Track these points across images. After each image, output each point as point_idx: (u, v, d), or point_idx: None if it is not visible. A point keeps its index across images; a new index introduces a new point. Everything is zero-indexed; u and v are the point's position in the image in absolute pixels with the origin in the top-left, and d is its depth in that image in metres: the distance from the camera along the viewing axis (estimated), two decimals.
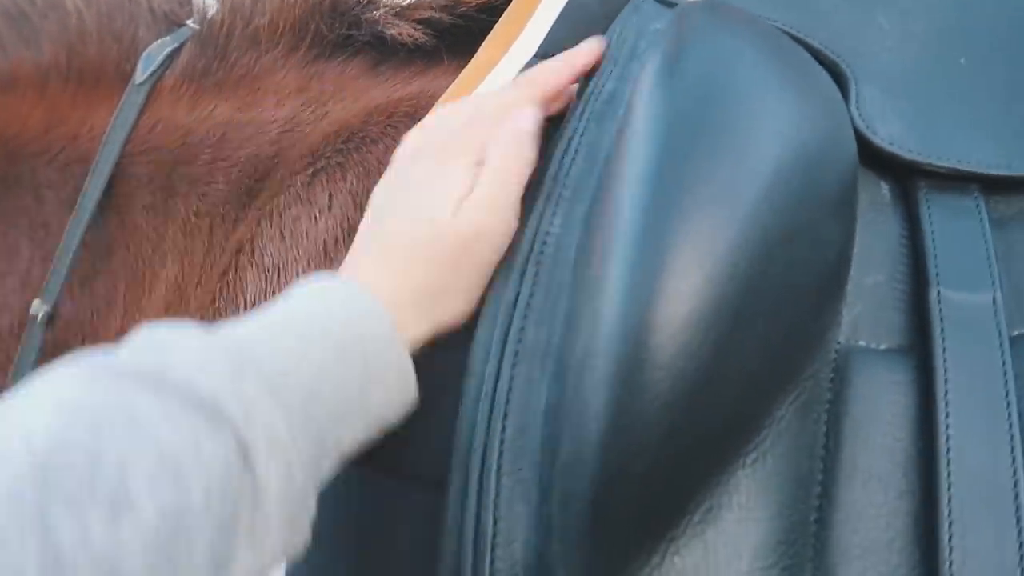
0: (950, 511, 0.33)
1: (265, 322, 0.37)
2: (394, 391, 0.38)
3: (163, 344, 0.33)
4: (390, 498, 0.41)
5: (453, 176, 0.41)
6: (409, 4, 0.60)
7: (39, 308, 0.66)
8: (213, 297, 0.58)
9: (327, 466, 0.36)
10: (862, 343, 0.38)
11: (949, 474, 0.33)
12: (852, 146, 0.39)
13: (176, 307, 0.63)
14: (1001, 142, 0.41)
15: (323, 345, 0.36)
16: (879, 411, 0.36)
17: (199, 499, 0.30)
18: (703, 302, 0.32)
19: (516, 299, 0.38)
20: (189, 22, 0.66)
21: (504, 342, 0.38)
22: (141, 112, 0.66)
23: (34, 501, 0.28)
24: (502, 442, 0.36)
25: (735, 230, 0.33)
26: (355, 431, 0.37)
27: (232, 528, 0.31)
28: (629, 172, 0.34)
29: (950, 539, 0.32)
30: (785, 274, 0.33)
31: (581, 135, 0.40)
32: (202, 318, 0.59)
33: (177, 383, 0.32)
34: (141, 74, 0.66)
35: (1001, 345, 0.35)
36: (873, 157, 0.41)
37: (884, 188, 0.41)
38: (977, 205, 0.40)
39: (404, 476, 0.41)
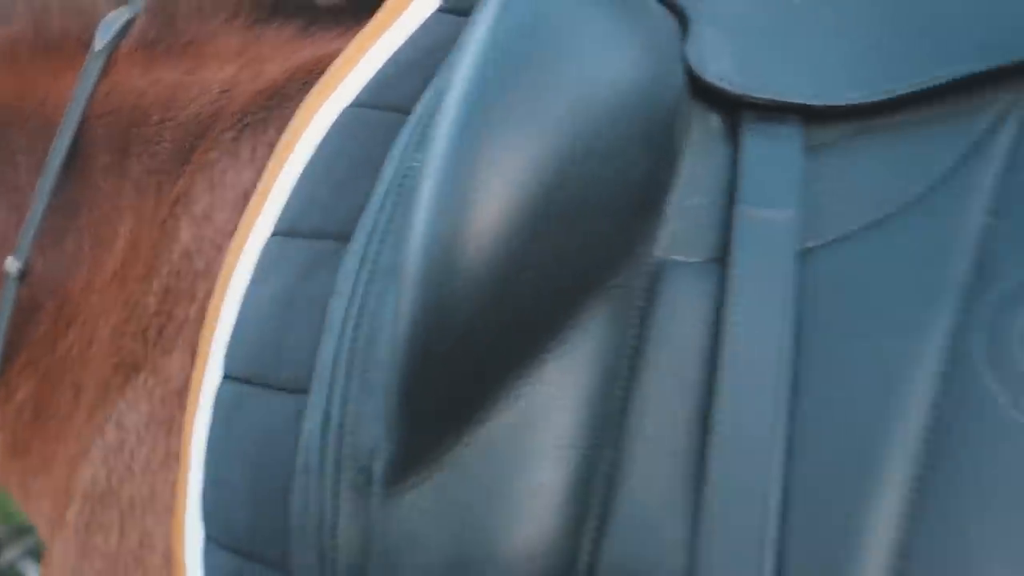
0: (727, 397, 0.37)
1: None
2: None
3: None
4: (271, 407, 0.46)
5: None
6: None
7: (12, 265, 0.72)
8: (153, 245, 0.63)
9: None
10: (677, 257, 0.42)
11: (729, 365, 0.37)
12: (676, 81, 0.43)
13: (131, 262, 0.69)
14: (822, 76, 0.45)
15: None
16: (684, 315, 0.40)
17: None
18: (502, 214, 0.36)
19: (374, 226, 0.43)
20: None
21: (362, 264, 0.43)
22: (100, 78, 0.71)
23: None
24: (353, 351, 0.41)
25: (536, 148, 0.37)
26: None
27: None
28: (448, 97, 0.39)
29: (722, 420, 0.36)
30: (582, 192, 0.38)
31: (437, 77, 0.45)
32: (146, 268, 0.65)
33: None
34: (99, 43, 0.72)
35: (791, 257, 0.39)
36: (704, 91, 0.45)
37: (714, 120, 0.45)
38: (794, 133, 0.43)
39: (282, 388, 0.46)
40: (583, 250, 0.38)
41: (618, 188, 0.39)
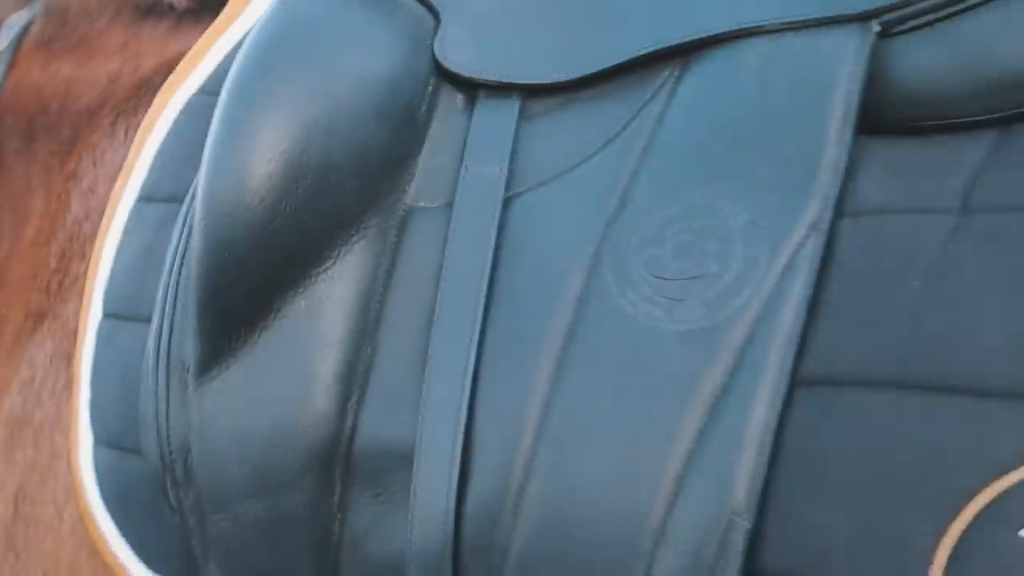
0: (444, 305, 0.51)
1: None
2: None
3: None
4: (135, 335, 0.60)
5: None
6: None
7: None
8: (52, 215, 0.77)
9: None
10: (421, 203, 0.55)
11: (446, 282, 0.51)
12: (422, 69, 0.57)
13: (44, 231, 0.82)
14: (543, 58, 0.58)
15: None
16: (423, 247, 0.54)
17: None
18: (263, 172, 0.50)
19: (193, 189, 0.57)
20: None
21: (184, 219, 0.57)
22: (6, 75, 0.84)
23: None
24: (177, 284, 0.55)
25: (286, 123, 0.51)
26: None
27: None
28: (226, 85, 0.52)
29: (439, 323, 0.50)
30: (327, 156, 0.51)
31: None
32: (49, 234, 0.78)
33: None
34: (2, 43, 0.84)
35: (497, 202, 0.53)
36: (449, 76, 0.58)
37: (458, 98, 0.58)
38: (514, 106, 0.57)
39: (142, 320, 0.60)
40: (333, 199, 0.52)
41: (359, 154, 0.53)
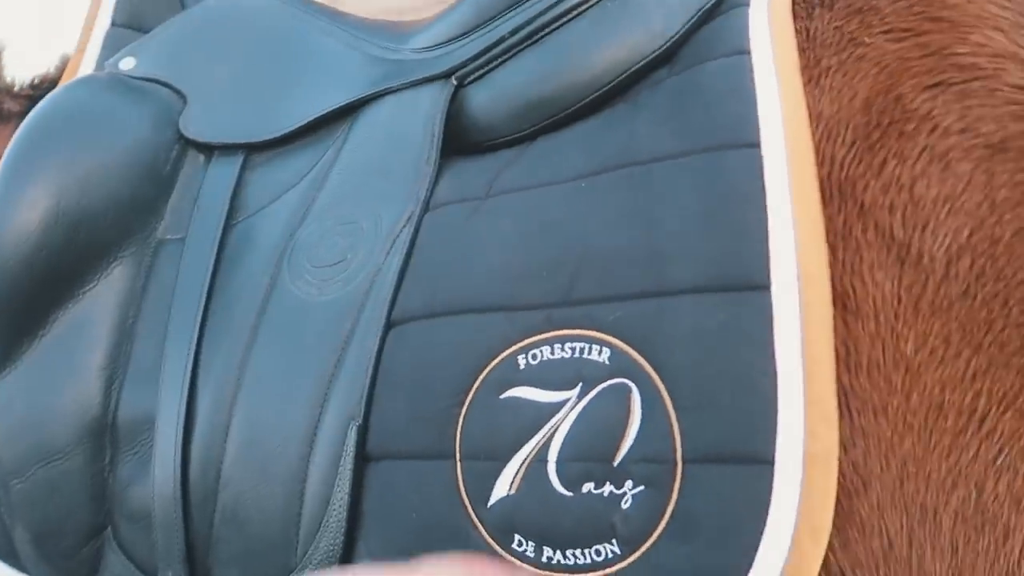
0: (175, 311, 0.69)
1: None
2: None
3: None
4: None
5: None
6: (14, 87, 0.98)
7: None
8: None
9: None
10: (169, 236, 0.74)
11: (177, 295, 0.69)
12: (166, 138, 0.76)
13: None
14: (262, 121, 0.78)
15: None
16: (168, 268, 0.72)
17: None
18: (23, 220, 0.69)
19: None
20: None
21: None
22: None
23: None
24: None
25: (45, 182, 0.70)
26: None
27: None
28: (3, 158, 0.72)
29: (172, 322, 0.68)
30: (81, 204, 0.70)
31: None
32: None
33: None
34: None
35: (217, 230, 0.71)
36: (192, 143, 0.77)
37: (200, 158, 0.78)
38: (238, 159, 0.76)
39: None
40: (89, 235, 0.70)
41: (110, 201, 0.71)
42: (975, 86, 0.55)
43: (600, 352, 0.55)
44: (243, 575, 0.64)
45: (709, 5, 0.66)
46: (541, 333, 0.57)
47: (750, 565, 0.51)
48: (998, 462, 0.49)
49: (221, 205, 0.74)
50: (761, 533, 0.51)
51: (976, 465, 0.50)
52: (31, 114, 0.75)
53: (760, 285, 0.54)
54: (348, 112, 0.75)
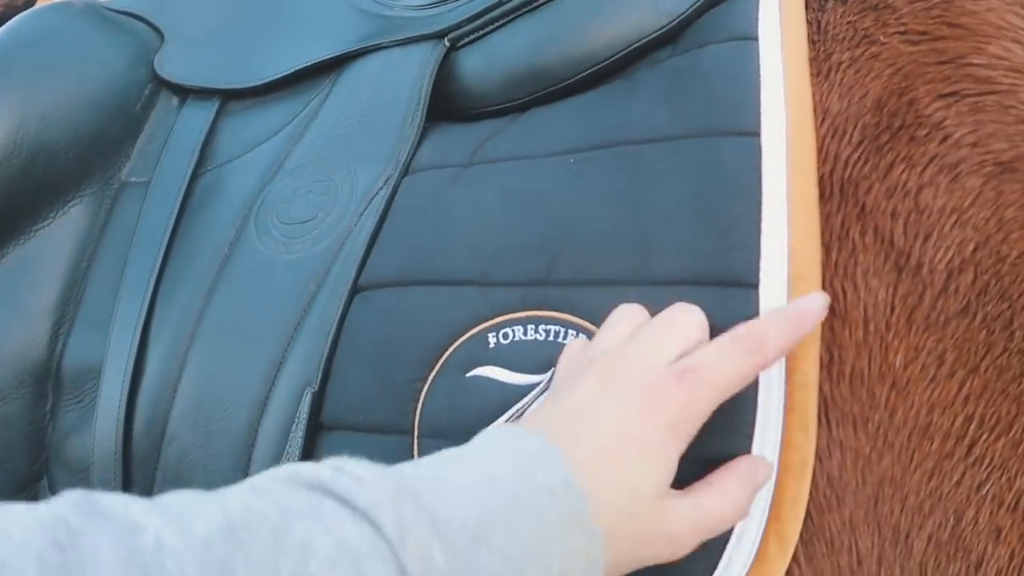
0: (134, 255, 0.65)
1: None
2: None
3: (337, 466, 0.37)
4: None
5: (654, 453, 0.44)
6: None
7: None
8: None
9: None
10: (133, 179, 0.70)
11: (137, 238, 0.66)
12: (139, 77, 0.72)
13: None
14: (242, 68, 0.74)
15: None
16: (129, 212, 0.69)
17: None
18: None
19: None
20: None
21: None
22: None
23: (222, 554, 0.31)
24: None
25: (6, 112, 0.65)
26: None
27: None
28: None
29: (129, 267, 0.65)
30: (40, 138, 0.66)
31: None
32: None
33: (339, 493, 0.35)
34: None
35: (184, 178, 0.68)
36: (166, 83, 0.74)
37: (173, 100, 0.74)
38: (213, 105, 0.72)
39: None
40: (47, 170, 0.67)
41: (73, 135, 0.67)
42: (989, 100, 0.53)
43: (575, 338, 0.52)
44: None
45: None
46: (515, 312, 0.54)
47: (714, 567, 0.49)
48: (983, 491, 0.47)
49: (191, 151, 0.70)
50: (727, 537, 0.49)
51: (958, 492, 0.48)
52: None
53: (747, 283, 0.52)
54: (333, 66, 0.72)
